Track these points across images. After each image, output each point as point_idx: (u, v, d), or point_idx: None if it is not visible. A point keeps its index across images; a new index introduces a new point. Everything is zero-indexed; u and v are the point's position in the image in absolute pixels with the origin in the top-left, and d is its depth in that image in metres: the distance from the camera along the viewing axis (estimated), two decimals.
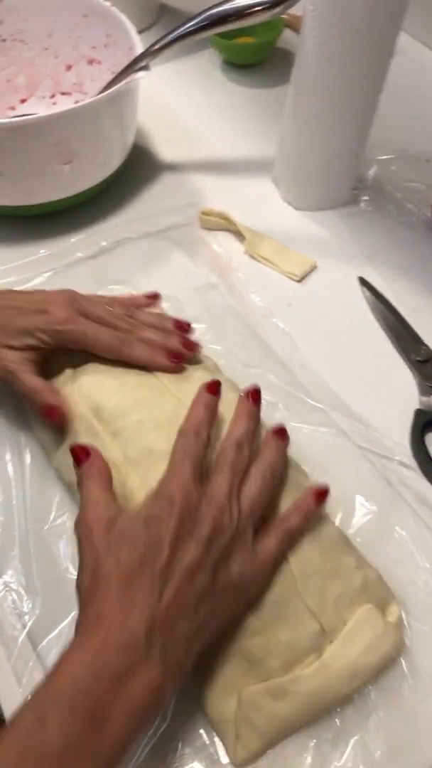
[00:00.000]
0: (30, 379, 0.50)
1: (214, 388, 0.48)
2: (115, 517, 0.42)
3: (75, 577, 0.48)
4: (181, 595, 0.39)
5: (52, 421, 0.50)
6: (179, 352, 0.53)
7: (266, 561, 0.43)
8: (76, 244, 0.69)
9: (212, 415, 0.47)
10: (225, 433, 0.47)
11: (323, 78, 0.62)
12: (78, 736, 0.33)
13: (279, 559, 0.44)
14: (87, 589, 0.39)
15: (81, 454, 0.45)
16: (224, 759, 0.42)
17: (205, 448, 0.45)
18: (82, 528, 0.42)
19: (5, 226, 0.71)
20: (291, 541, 0.45)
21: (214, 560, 0.40)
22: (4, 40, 0.77)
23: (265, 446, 0.48)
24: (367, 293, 0.67)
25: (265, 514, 0.45)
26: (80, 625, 0.38)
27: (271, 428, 0.49)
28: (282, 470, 0.47)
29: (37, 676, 0.45)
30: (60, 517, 0.51)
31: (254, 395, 0.49)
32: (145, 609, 0.37)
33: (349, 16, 0.56)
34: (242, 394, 0.50)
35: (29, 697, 0.35)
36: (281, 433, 0.49)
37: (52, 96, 0.82)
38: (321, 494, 0.47)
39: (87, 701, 0.34)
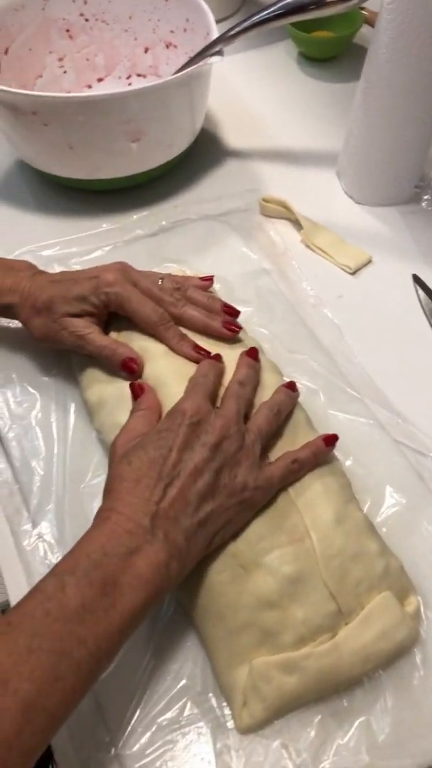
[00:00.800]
0: (100, 339, 0.54)
1: (216, 357, 0.53)
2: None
3: None
4: (184, 492, 0.43)
5: (130, 372, 0.53)
6: (219, 332, 0.55)
7: (270, 478, 0.46)
8: (137, 221, 0.71)
9: (217, 370, 0.51)
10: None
11: (394, 72, 0.62)
12: (92, 600, 0.38)
13: (284, 483, 0.47)
14: (105, 491, 0.45)
15: (137, 390, 0.51)
16: (230, 724, 0.44)
17: (214, 387, 0.50)
18: (111, 448, 0.47)
19: (73, 198, 0.74)
20: (298, 470, 0.48)
21: (218, 465, 0.44)
22: (87, 20, 0.80)
23: (276, 392, 0.52)
24: (420, 291, 0.67)
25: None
26: (95, 517, 0.43)
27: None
28: (288, 410, 0.51)
29: None
30: (97, 477, 0.53)
31: (252, 353, 0.53)
32: (151, 503, 0.42)
33: (426, 9, 0.56)
34: (243, 353, 0.53)
35: (50, 571, 0.40)
36: (291, 385, 0.53)
37: (128, 77, 0.84)
38: (330, 438, 0.50)
39: (99, 573, 0.39)
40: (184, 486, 0.43)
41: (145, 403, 0.50)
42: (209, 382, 0.49)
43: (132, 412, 0.50)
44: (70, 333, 0.54)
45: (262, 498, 0.46)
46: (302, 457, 0.48)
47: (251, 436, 0.47)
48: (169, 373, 0.52)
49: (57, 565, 0.40)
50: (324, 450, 0.49)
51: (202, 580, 0.45)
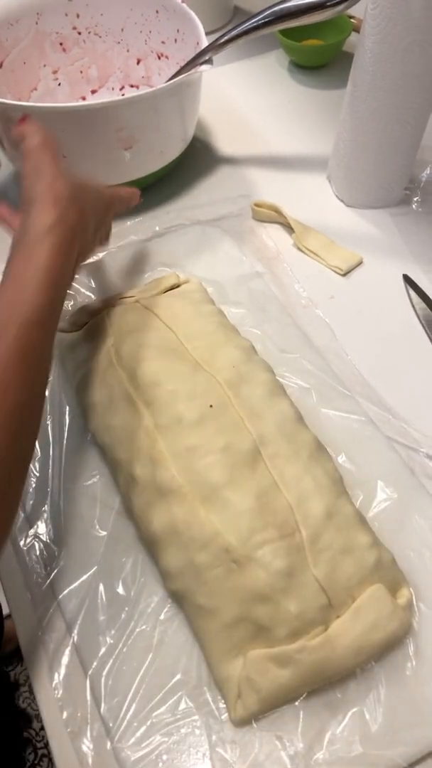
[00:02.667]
0: None
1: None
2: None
3: (100, 535, 0.51)
4: None
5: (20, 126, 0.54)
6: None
7: None
8: (131, 227, 0.73)
9: None
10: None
11: (380, 76, 0.63)
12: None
13: None
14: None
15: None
16: (224, 717, 0.44)
17: None
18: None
19: None
20: None
21: None
22: (79, 33, 0.81)
23: None
24: (411, 291, 0.68)
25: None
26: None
27: None
28: None
29: (57, 622, 0.48)
30: (92, 478, 0.54)
31: None
32: None
33: (408, 14, 0.57)
34: None
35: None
36: None
37: (122, 88, 0.86)
38: None
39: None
40: None
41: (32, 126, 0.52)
42: None
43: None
44: None
45: None
46: None
47: None
48: (160, 372, 0.53)
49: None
50: None
51: (195, 575, 0.46)
